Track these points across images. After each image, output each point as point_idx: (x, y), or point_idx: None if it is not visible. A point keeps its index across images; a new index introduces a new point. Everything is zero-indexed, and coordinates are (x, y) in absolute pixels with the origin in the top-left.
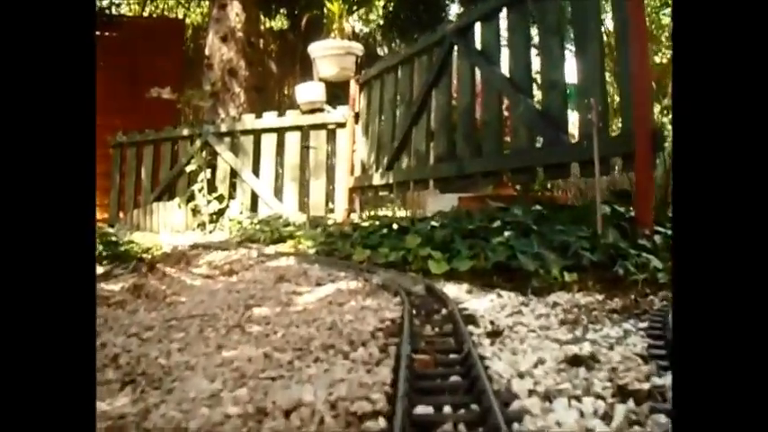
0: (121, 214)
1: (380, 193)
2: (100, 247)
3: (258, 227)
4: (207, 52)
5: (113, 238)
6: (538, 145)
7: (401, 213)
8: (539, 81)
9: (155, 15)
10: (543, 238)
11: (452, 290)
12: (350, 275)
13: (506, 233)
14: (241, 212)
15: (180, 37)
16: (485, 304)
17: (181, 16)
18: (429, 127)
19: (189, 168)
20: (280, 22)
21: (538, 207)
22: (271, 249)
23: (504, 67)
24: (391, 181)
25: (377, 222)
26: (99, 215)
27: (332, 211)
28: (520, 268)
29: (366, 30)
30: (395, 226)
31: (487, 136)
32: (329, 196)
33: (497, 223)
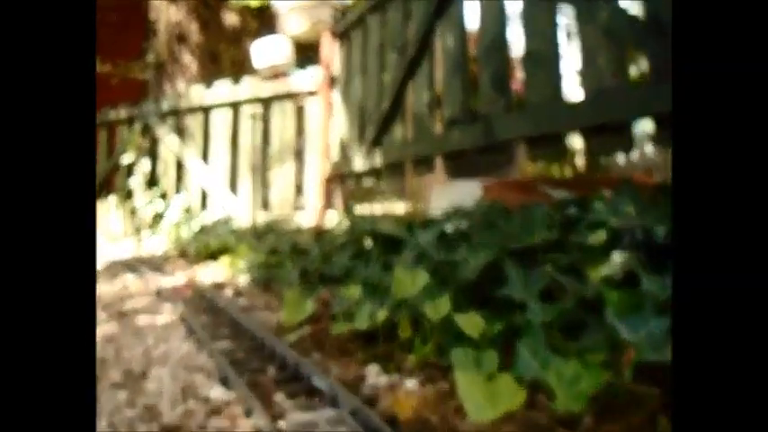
0: None
1: (365, 183)
2: None
3: (194, 235)
4: (151, 16)
5: None
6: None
7: (398, 209)
8: None
9: None
10: None
11: None
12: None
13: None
14: (187, 212)
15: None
16: None
17: None
18: (432, 78)
19: (125, 160)
20: None
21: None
22: (199, 269)
23: None
24: (379, 164)
25: (352, 229)
26: None
27: (302, 208)
28: None
29: None
30: (379, 235)
31: (536, 76)
32: (300, 189)
33: (600, 236)
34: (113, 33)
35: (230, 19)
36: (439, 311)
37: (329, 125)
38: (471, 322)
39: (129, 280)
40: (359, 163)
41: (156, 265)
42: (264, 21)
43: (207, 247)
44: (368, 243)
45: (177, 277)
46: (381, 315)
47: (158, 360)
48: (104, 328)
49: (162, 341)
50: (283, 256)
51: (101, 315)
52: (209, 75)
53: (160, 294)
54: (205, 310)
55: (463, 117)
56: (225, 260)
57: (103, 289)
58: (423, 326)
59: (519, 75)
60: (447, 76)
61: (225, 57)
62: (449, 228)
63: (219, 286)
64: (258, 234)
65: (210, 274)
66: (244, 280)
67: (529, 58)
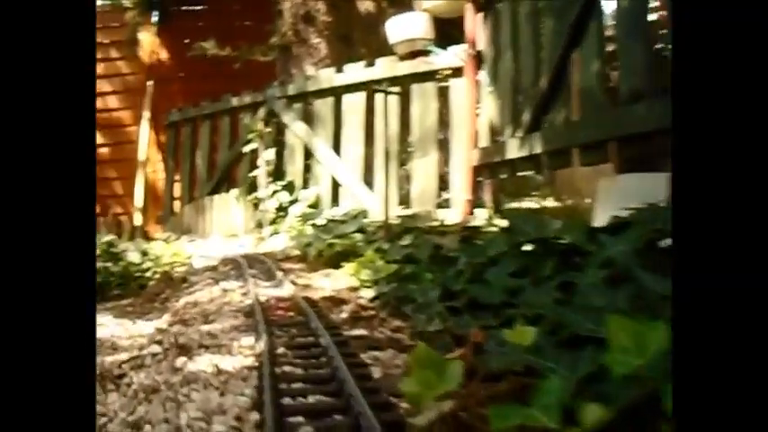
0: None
1: (520, 173)
2: (98, 265)
3: (315, 232)
4: None
5: (115, 250)
6: None
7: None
8: None
9: None
10: None
11: None
12: None
13: None
14: (314, 206)
15: None
16: None
17: None
18: (602, 44)
19: (248, 148)
20: None
21: None
22: (316, 277)
23: None
24: (538, 150)
25: (510, 232)
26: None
27: (446, 204)
28: None
29: None
30: (551, 243)
31: None
32: (444, 182)
33: None
34: (233, 15)
35: (363, 4)
36: None
37: (476, 108)
38: None
39: (228, 287)
40: (512, 151)
41: (267, 268)
42: (400, 6)
43: (330, 249)
44: (532, 252)
45: (285, 288)
46: (592, 412)
47: None
48: (143, 378)
49: (208, 413)
50: (421, 267)
51: (153, 347)
52: (340, 59)
53: (251, 315)
54: (299, 348)
55: (648, 90)
56: (348, 267)
57: (190, 299)
58: None
59: None
60: (624, 40)
61: (358, 42)
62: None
63: (334, 303)
64: (392, 235)
65: (328, 284)
66: (368, 295)
67: None
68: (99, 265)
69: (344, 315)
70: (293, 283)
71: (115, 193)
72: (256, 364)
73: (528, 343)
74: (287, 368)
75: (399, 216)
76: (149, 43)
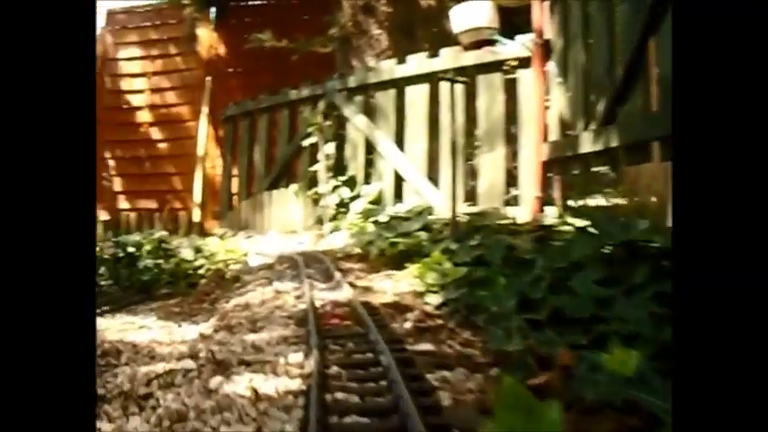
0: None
1: (594, 168)
2: (148, 262)
3: (377, 230)
4: None
5: (167, 246)
6: None
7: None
8: None
9: None
10: None
11: None
12: None
13: None
14: (376, 203)
15: None
16: None
17: None
18: None
19: (307, 142)
20: None
21: None
22: (377, 279)
23: None
24: (613, 144)
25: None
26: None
27: (514, 201)
28: None
29: None
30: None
31: None
32: (511, 177)
33: None
34: (292, 9)
35: None
36: None
37: (545, 100)
38: None
39: (281, 288)
40: (585, 145)
41: (325, 267)
42: None
43: (392, 248)
44: (617, 256)
45: (343, 291)
46: None
47: None
48: (171, 400)
49: None
50: (493, 270)
51: (186, 362)
52: (402, 51)
53: (303, 323)
54: (355, 367)
55: None
56: (413, 269)
57: (240, 301)
58: None
59: None
60: None
61: (419, 33)
62: None
63: (397, 310)
64: (460, 234)
65: (390, 286)
66: (434, 301)
67: None
68: (149, 262)
69: (408, 325)
70: (352, 285)
71: (174, 188)
72: (304, 387)
73: (630, 372)
74: (339, 395)
75: (466, 214)
76: (207, 39)
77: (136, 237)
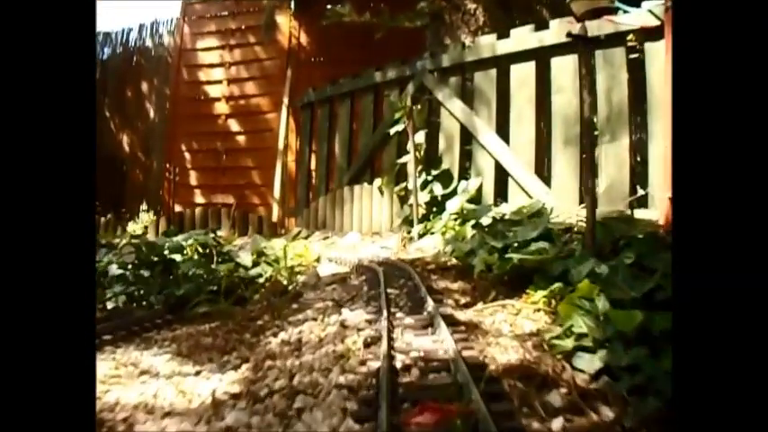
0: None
1: None
2: (190, 269)
3: (478, 235)
4: None
5: (215, 244)
6: None
7: None
8: None
9: None
10: None
11: None
12: None
13: None
14: (476, 201)
15: None
16: None
17: None
18: None
19: (394, 130)
20: None
21: None
22: (486, 315)
23: None
24: None
25: None
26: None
27: (644, 203)
28: None
29: None
30: None
31: None
32: (636, 175)
33: None
34: None
35: None
36: None
37: None
38: None
39: (350, 321)
40: None
41: (413, 286)
42: None
43: (504, 265)
44: None
45: (439, 334)
46: None
47: None
48: None
49: None
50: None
51: None
52: (499, 24)
53: (369, 408)
54: None
55: None
56: (539, 298)
57: (289, 336)
58: None
59: None
60: None
61: (519, 8)
62: None
63: (530, 382)
64: (598, 247)
65: (507, 329)
66: (589, 368)
67: None
68: (191, 269)
69: (557, 426)
70: (451, 320)
71: (253, 182)
72: None
73: None
74: None
75: (601, 219)
76: (287, 27)
77: (179, 237)
